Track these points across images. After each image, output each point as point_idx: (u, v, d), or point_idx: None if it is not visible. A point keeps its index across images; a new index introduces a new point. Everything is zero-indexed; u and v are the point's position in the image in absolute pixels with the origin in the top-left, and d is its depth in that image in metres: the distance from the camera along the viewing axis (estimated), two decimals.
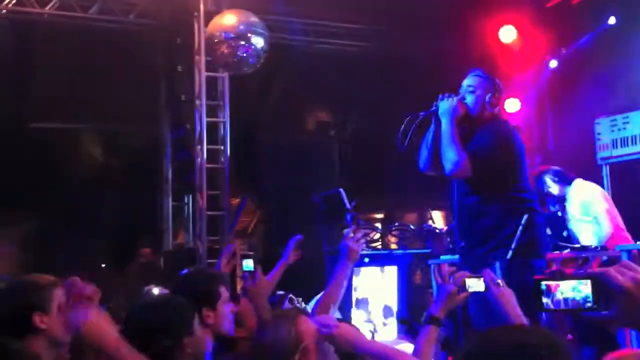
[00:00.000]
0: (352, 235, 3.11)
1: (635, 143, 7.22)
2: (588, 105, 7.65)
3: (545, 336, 1.44)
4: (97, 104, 8.13)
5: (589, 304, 1.56)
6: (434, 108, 4.01)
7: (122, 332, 2.46)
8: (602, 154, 7.30)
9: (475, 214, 3.94)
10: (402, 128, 4.00)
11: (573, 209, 5.69)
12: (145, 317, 2.57)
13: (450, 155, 3.87)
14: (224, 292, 3.01)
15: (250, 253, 4.57)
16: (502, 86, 4.10)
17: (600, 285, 1.55)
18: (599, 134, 7.51)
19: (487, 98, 3.99)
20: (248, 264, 3.49)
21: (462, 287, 2.80)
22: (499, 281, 2.76)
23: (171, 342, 2.47)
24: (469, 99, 4.00)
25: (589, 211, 5.62)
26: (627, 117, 7.30)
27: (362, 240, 3.17)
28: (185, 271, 3.70)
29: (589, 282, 1.57)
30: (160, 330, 2.48)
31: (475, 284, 2.82)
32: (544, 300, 1.60)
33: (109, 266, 9.09)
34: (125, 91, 7.62)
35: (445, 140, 3.91)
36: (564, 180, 5.76)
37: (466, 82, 4.05)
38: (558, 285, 1.59)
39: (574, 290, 1.58)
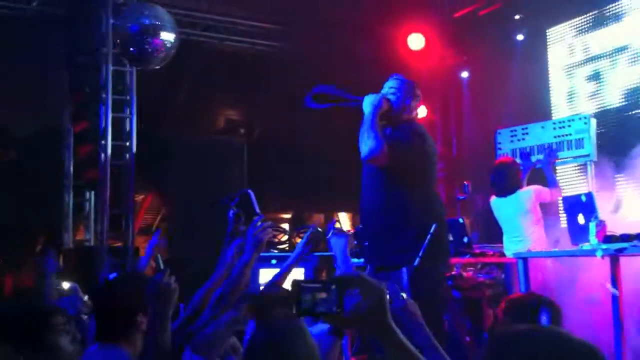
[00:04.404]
0: (259, 223, 3.01)
1: (533, 153, 7.54)
2: (491, 115, 7.93)
3: (585, 344, 1.42)
4: None
5: (334, 308, 1.53)
6: (359, 99, 3.99)
7: None
8: None
9: (384, 211, 3.94)
10: (319, 90, 3.98)
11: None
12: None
13: (369, 141, 3.86)
14: None
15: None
16: (420, 93, 4.17)
17: (346, 290, 1.52)
18: (499, 143, 7.80)
19: (407, 101, 4.06)
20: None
21: None
22: (403, 294, 2.76)
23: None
24: (392, 98, 4.05)
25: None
26: (526, 128, 7.61)
27: (269, 230, 3.06)
28: (114, 275, 3.51)
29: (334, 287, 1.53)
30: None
31: None
32: (303, 303, 1.54)
33: (5, 261, 8.65)
34: (28, 81, 7.27)
35: (367, 127, 3.89)
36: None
37: (388, 84, 4.10)
38: (317, 288, 1.54)
39: (326, 294, 1.54)
